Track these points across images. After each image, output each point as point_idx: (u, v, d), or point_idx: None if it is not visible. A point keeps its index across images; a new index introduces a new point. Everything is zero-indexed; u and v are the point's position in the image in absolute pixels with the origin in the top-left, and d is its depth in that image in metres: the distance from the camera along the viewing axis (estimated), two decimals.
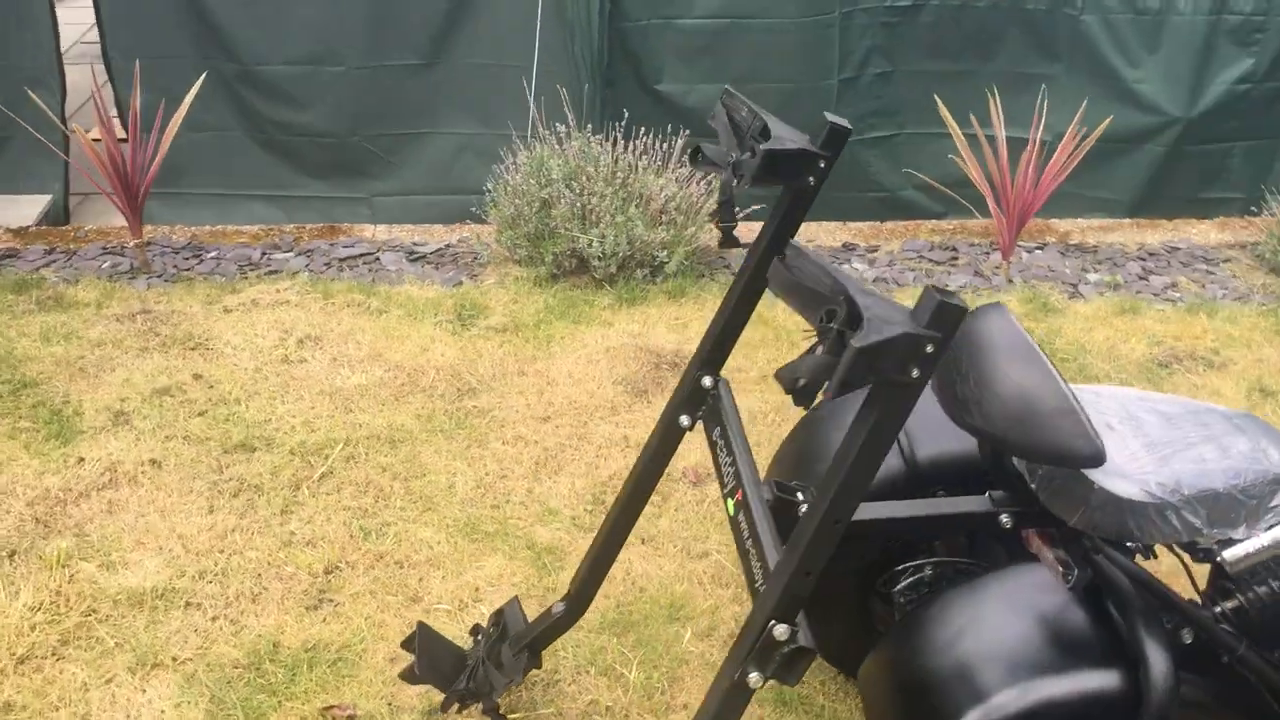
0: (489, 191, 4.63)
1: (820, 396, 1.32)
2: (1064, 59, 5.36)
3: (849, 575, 2.36)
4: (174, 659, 2.56)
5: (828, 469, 1.46)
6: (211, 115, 4.82)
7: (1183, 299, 4.53)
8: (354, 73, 4.89)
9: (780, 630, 1.50)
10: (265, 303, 4.11)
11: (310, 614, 2.72)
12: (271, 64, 4.84)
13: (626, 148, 4.41)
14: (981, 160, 4.69)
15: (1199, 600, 1.99)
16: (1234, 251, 5.03)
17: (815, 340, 1.36)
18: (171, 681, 2.51)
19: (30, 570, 2.80)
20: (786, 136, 1.80)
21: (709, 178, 4.48)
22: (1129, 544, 1.97)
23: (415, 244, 4.76)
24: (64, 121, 4.60)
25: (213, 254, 4.61)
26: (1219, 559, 1.81)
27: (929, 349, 1.31)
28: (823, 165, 1.83)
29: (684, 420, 2.07)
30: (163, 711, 2.43)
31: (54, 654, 2.56)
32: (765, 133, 1.85)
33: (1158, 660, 1.78)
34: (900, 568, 2.28)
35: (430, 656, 2.31)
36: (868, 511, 2.01)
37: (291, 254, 4.63)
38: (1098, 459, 1.62)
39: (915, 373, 1.33)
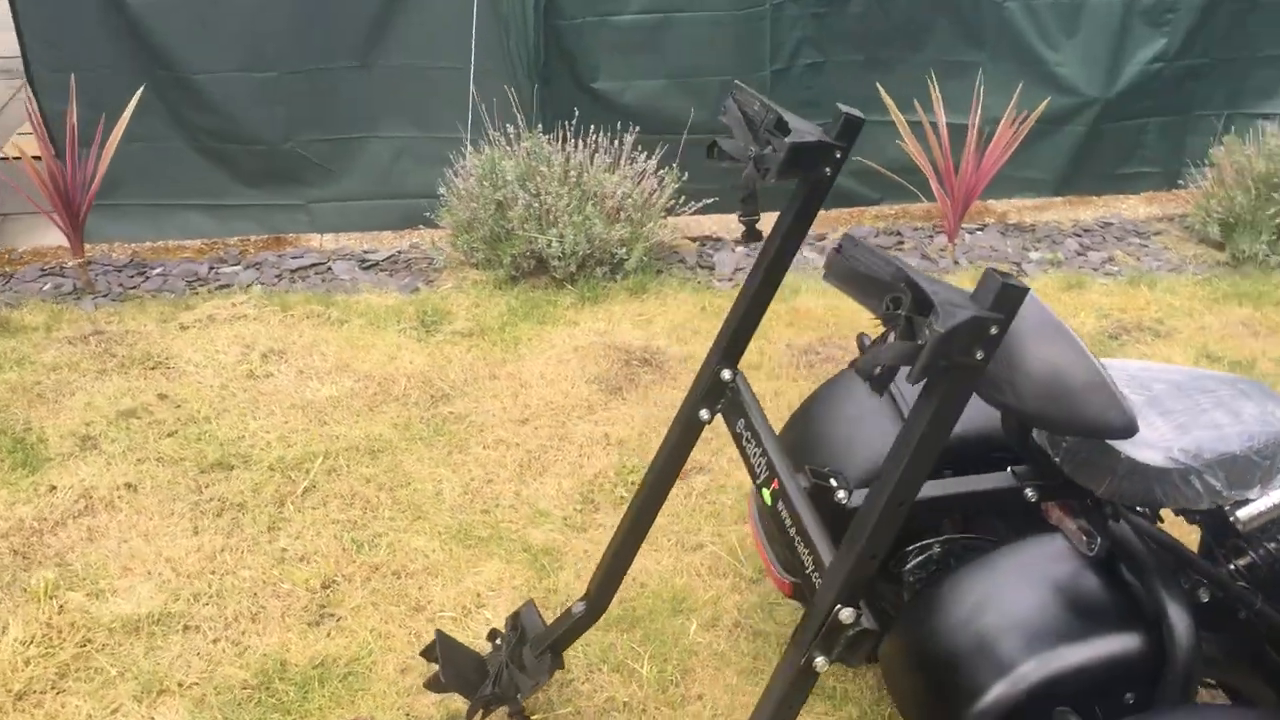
0: (441, 196, 4.60)
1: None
2: (989, 45, 5.51)
3: None
4: (179, 684, 2.51)
5: (889, 452, 1.50)
6: (142, 125, 4.69)
7: (1122, 272, 4.69)
8: (286, 78, 4.82)
9: (846, 614, 1.54)
10: (222, 318, 4.03)
11: (313, 630, 2.68)
12: (201, 71, 4.73)
13: (575, 146, 4.41)
14: (925, 146, 4.80)
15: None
16: (1163, 224, 5.22)
17: (883, 329, 1.39)
18: (180, 707, 2.46)
19: (16, 603, 2.72)
20: (804, 129, 1.84)
21: (661, 173, 4.51)
22: (1137, 510, 2.05)
23: (366, 252, 4.71)
24: None
25: (158, 270, 4.50)
26: (1232, 518, 1.89)
27: (993, 330, 1.35)
28: (839, 156, 1.87)
29: (704, 414, 2.10)
30: None
31: (53, 687, 2.50)
32: (780, 126, 1.89)
33: (1180, 619, 1.86)
34: (909, 548, 2.33)
35: (453, 664, 2.31)
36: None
37: (240, 267, 4.54)
38: (1131, 429, 1.68)
39: (980, 355, 1.37)
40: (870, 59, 5.37)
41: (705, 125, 5.02)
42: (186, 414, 3.48)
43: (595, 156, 4.39)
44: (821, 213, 5.35)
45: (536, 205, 4.22)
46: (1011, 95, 5.13)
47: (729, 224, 5.03)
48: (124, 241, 4.76)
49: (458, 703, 2.36)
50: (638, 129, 4.58)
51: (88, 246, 4.57)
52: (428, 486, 3.19)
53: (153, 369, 3.71)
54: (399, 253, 4.68)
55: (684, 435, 2.13)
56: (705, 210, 4.84)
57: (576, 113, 4.54)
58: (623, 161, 4.43)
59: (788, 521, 1.79)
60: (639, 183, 4.41)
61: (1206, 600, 1.95)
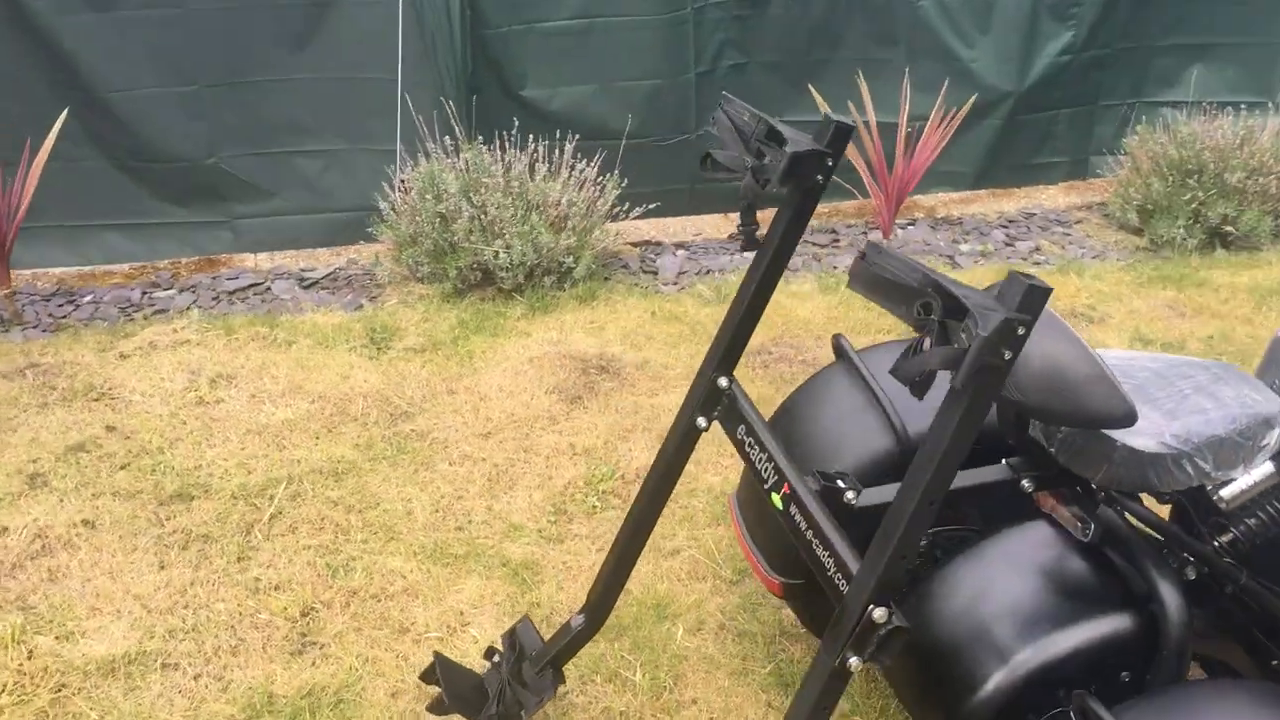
0: (377, 210, 4.55)
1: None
2: (905, 44, 5.65)
3: None
4: None
5: (918, 452, 1.53)
6: (60, 146, 4.55)
7: (1050, 261, 4.84)
8: (207, 92, 4.72)
9: (879, 613, 1.56)
10: (164, 344, 3.92)
11: (297, 659, 2.64)
12: (118, 89, 4.61)
13: (514, 156, 4.40)
14: (859, 145, 4.89)
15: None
16: (1083, 213, 5.40)
17: (916, 335, 1.42)
18: None
19: None
20: (799, 138, 1.87)
21: (601, 180, 4.52)
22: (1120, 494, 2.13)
23: (304, 270, 4.63)
24: None
25: (88, 298, 4.37)
26: (1215, 497, 1.97)
27: (1020, 331, 1.39)
28: (830, 164, 1.90)
29: (701, 422, 2.11)
30: None
31: None
32: (772, 135, 1.91)
33: (1171, 598, 1.94)
34: None
35: (454, 686, 2.29)
36: (884, 495, 2.10)
37: (174, 291, 4.43)
38: (1131, 418, 1.74)
39: (1008, 355, 1.41)
40: (791, 60, 5.47)
41: (637, 131, 5.06)
42: (138, 445, 3.38)
43: (536, 165, 4.38)
44: (760, 213, 5.48)
45: (482, 217, 4.19)
46: (928, 92, 5.26)
47: (667, 228, 5.07)
48: (42, 268, 4.61)
49: None
50: (577, 136, 4.58)
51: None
52: (397, 506, 3.15)
53: (96, 400, 3.60)
54: (338, 269, 4.61)
55: (682, 443, 2.14)
56: (647, 215, 4.87)
57: (517, 122, 4.53)
58: (563, 169, 4.43)
59: (803, 525, 1.81)
60: (581, 189, 4.42)
61: (1193, 578, 2.03)
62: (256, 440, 3.41)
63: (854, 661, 1.60)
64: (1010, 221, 5.26)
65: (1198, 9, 5.86)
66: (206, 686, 2.55)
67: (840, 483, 1.97)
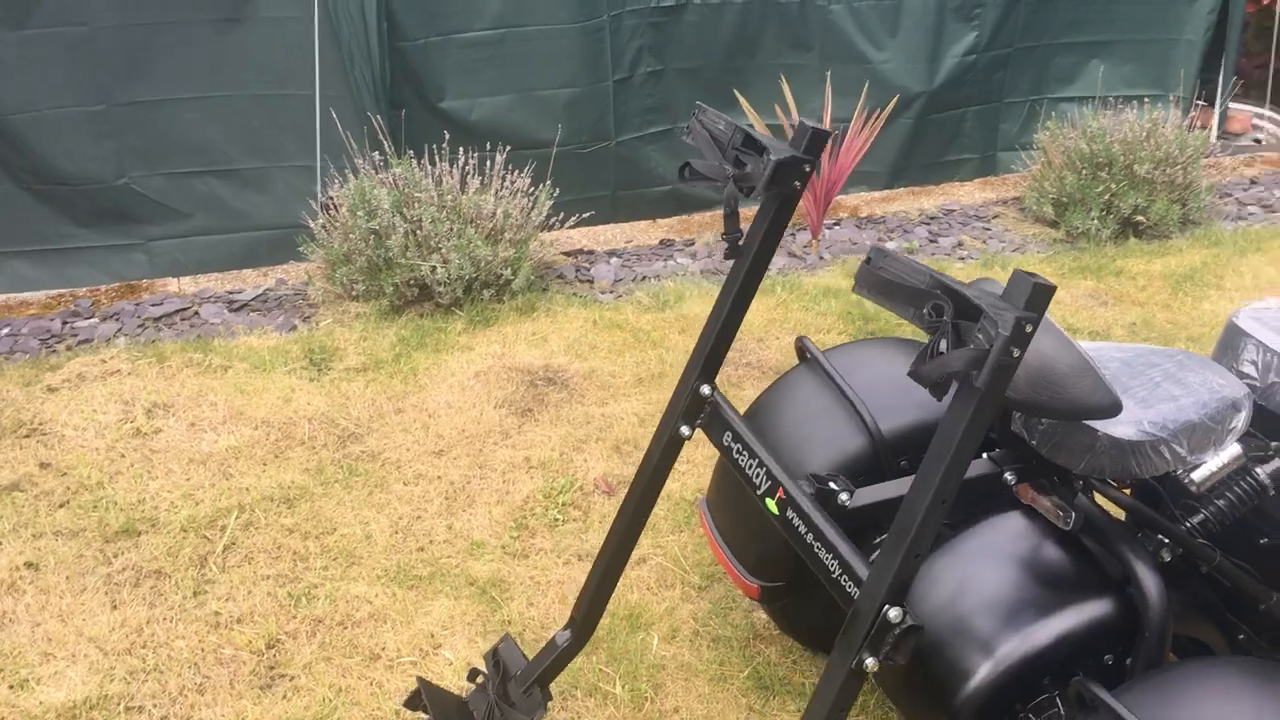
0: (306, 228, 4.46)
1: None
2: (818, 48, 5.75)
3: None
4: None
5: (929, 451, 1.55)
6: None
7: (973, 255, 4.96)
8: (117, 111, 4.58)
9: (894, 613, 1.58)
10: (94, 375, 3.79)
11: (267, 694, 2.57)
12: (21, 110, 4.43)
13: (444, 170, 4.35)
14: None
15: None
16: (999, 208, 5.55)
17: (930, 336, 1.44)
18: None
19: None
20: (778, 145, 1.88)
21: (534, 192, 4.50)
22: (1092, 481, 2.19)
23: (231, 293, 4.51)
24: None
25: (4, 330, 4.20)
26: (1186, 480, 2.04)
27: (1028, 329, 1.42)
28: (808, 169, 1.92)
29: (684, 430, 2.11)
30: None
31: None
32: (749, 143, 1.93)
33: (1150, 580, 2.00)
34: (875, 541, 2.41)
35: (441, 710, 2.25)
36: (875, 495, 2.13)
37: (96, 320, 4.28)
38: (1117, 408, 1.80)
39: (1016, 352, 1.44)
40: (708, 66, 5.53)
41: (558, 139, 5.07)
42: (76, 481, 3.26)
43: (467, 178, 4.34)
44: (687, 218, 5.51)
45: (416, 232, 4.14)
46: (842, 95, 5.36)
47: (598, 236, 5.07)
48: None
49: None
50: (509, 148, 4.56)
51: None
52: (355, 530, 3.09)
53: (27, 437, 3.46)
54: (268, 290, 4.51)
55: (666, 452, 2.14)
56: (581, 224, 4.87)
57: (447, 135, 4.48)
58: (494, 181, 4.39)
59: (802, 529, 1.82)
60: (514, 198, 4.39)
61: (1168, 559, 2.10)
62: (201, 470, 3.32)
63: (870, 662, 1.61)
64: (931, 218, 5.38)
65: (1094, 8, 6.07)
66: None
67: (833, 485, 1.99)
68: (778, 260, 4.84)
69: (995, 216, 5.43)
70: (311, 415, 3.58)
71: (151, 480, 3.27)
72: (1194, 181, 5.15)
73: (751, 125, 5.51)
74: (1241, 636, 2.25)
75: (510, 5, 5.01)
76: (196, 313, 4.32)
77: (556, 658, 2.29)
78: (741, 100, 5.23)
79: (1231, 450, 2.02)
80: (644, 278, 4.64)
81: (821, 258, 4.93)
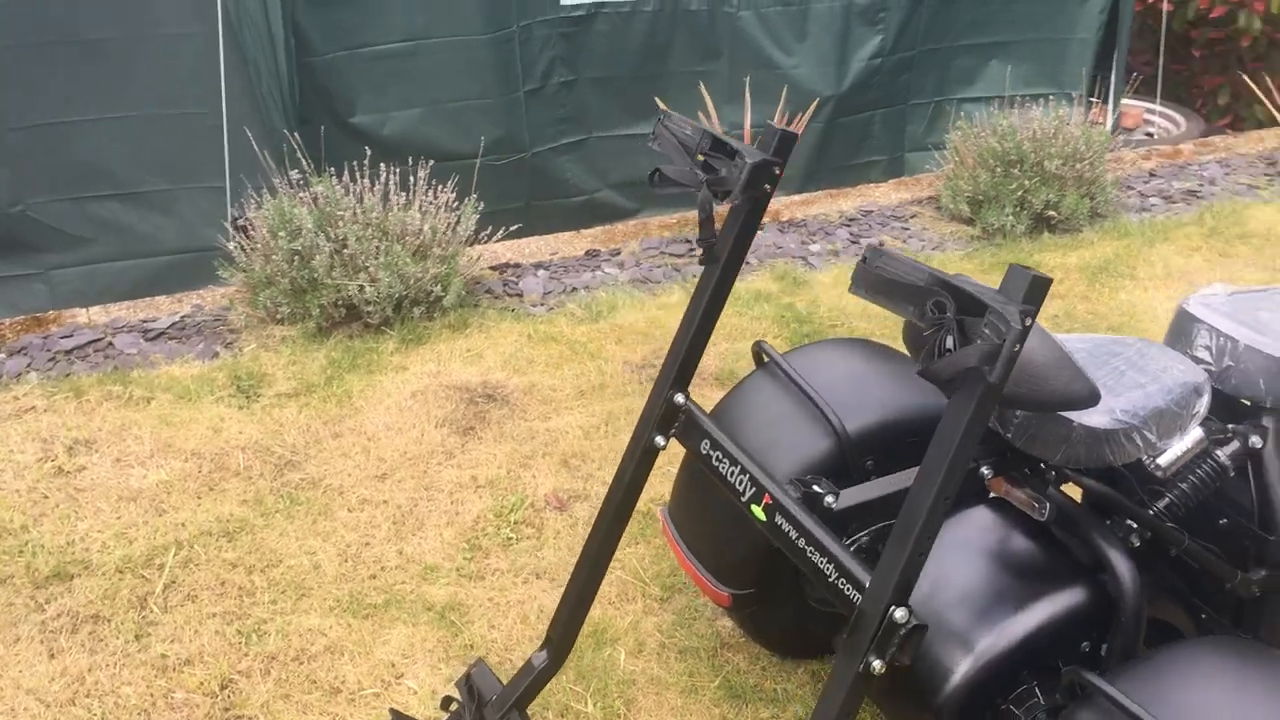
0: (222, 251, 4.31)
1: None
2: (727, 54, 5.79)
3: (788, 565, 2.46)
4: None
5: (929, 449, 1.54)
6: None
7: None
8: (10, 135, 4.38)
9: (900, 614, 1.57)
10: (6, 414, 3.60)
11: None
12: None
13: (365, 186, 4.25)
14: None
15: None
16: (916, 207, 5.64)
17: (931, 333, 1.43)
18: None
19: None
20: (747, 149, 1.87)
21: (459, 206, 4.42)
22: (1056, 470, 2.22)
23: (145, 321, 4.33)
24: None
25: None
26: (1152, 466, 2.08)
27: (1027, 321, 1.43)
28: (777, 171, 1.91)
29: (659, 440, 2.08)
30: None
31: None
32: (718, 147, 1.91)
33: (1123, 566, 2.03)
34: (848, 541, 2.41)
35: None
36: (859, 495, 2.13)
37: (3, 355, 4.07)
38: (1095, 398, 1.81)
39: (1017, 346, 1.44)
40: (620, 75, 5.53)
41: (471, 152, 5.02)
42: None
43: (390, 194, 4.25)
44: (611, 227, 5.48)
45: (342, 252, 4.03)
46: (756, 101, 5.41)
47: (523, 249, 5.01)
48: None
49: None
50: (431, 162, 4.48)
51: None
52: (302, 561, 2.99)
53: None
54: (184, 317, 4.34)
55: (640, 463, 2.10)
56: (509, 237, 4.82)
57: (369, 152, 4.38)
58: (418, 197, 4.31)
59: (793, 534, 1.80)
60: (439, 213, 4.30)
61: (1138, 544, 2.14)
62: (132, 507, 3.17)
63: (878, 665, 1.60)
64: (851, 220, 5.44)
65: (992, 10, 6.23)
66: None
67: (817, 488, 1.98)
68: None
69: (913, 216, 5.51)
70: (244, 444, 3.45)
71: (80, 521, 3.11)
72: (1100, 176, 5.30)
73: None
74: (1204, 616, 2.31)
75: (420, 17, 4.94)
76: (111, 343, 4.14)
77: (534, 679, 2.23)
78: (663, 107, 5.22)
79: (1194, 434, 2.06)
80: (574, 289, 4.60)
81: (748, 262, 4.94)
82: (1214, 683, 1.75)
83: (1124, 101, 6.90)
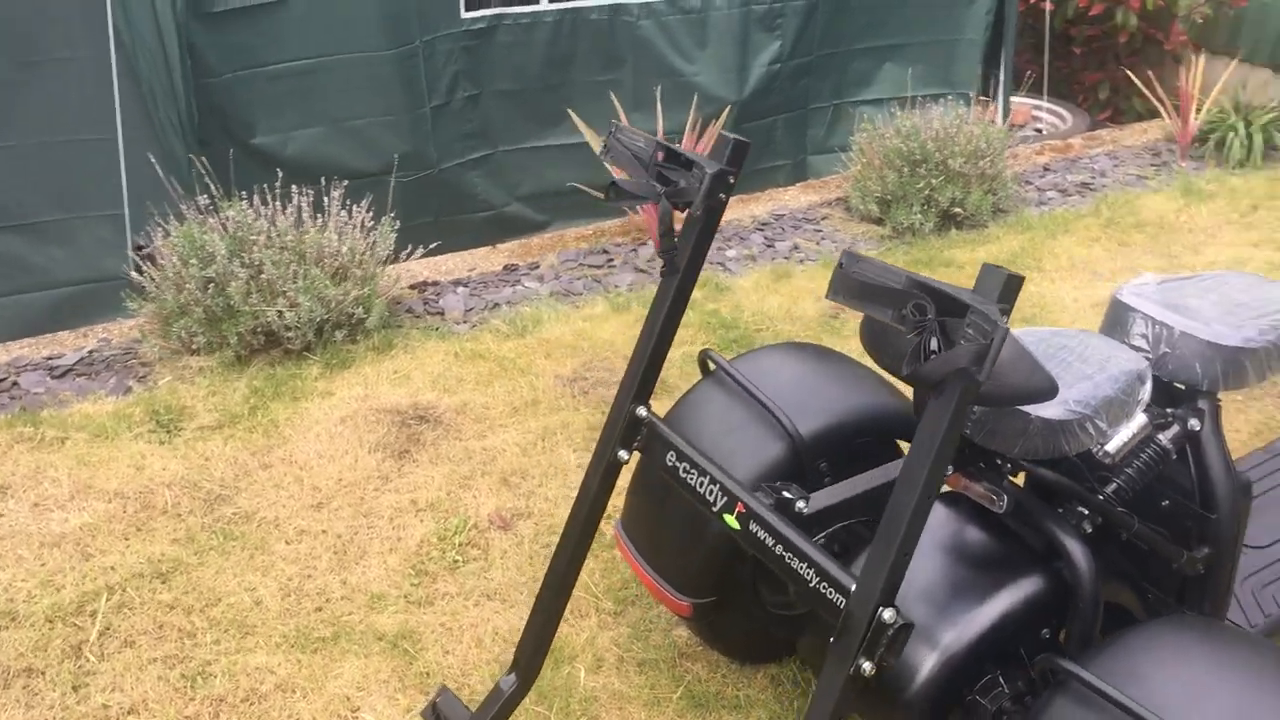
0: (130, 282, 4.16)
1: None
2: (630, 62, 5.80)
3: (746, 572, 2.48)
4: None
5: (911, 449, 1.56)
6: None
7: (811, 257, 5.10)
8: None
9: (888, 615, 1.59)
10: None
11: None
12: None
13: (275, 209, 4.15)
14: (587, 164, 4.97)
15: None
16: (826, 209, 5.72)
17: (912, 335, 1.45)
18: None
19: None
20: (703, 159, 1.88)
21: (374, 225, 4.34)
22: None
23: (50, 358, 4.16)
24: None
25: None
26: (1100, 453, 2.14)
27: (1003, 320, 1.46)
28: (731, 180, 1.92)
29: (623, 454, 2.08)
30: None
31: None
32: (672, 158, 1.92)
33: (1079, 553, 2.09)
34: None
35: None
36: (829, 498, 2.14)
37: None
38: (1054, 391, 1.85)
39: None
40: (525, 87, 5.50)
41: (378, 169, 4.94)
42: None
43: (303, 216, 4.15)
44: (528, 241, 5.45)
45: (258, 277, 3.92)
46: (657, 108, 5.44)
47: (440, 266, 4.94)
48: None
49: None
50: (345, 182, 4.39)
51: None
52: (243, 597, 2.89)
53: None
54: (91, 352, 4.18)
55: (605, 479, 2.09)
56: (427, 254, 4.75)
57: (280, 174, 4.28)
58: (333, 217, 4.22)
59: (770, 541, 1.81)
60: (355, 234, 4.22)
61: (1090, 530, 2.19)
62: (55, 553, 3.04)
63: (868, 666, 1.61)
64: (764, 224, 5.50)
65: (884, 13, 6.36)
66: None
67: (787, 494, 1.99)
68: (626, 276, 4.84)
69: (824, 218, 5.60)
70: (170, 481, 3.34)
71: (1, 570, 2.97)
72: (1001, 172, 5.45)
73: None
74: (1150, 596, 2.38)
75: (319, 35, 4.84)
76: (15, 383, 3.96)
77: (504, 704, 2.20)
78: (574, 118, 5.22)
79: (1139, 420, 2.12)
80: (496, 305, 4.55)
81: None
82: (1183, 661, 1.81)
83: (1012, 99, 7.11)
